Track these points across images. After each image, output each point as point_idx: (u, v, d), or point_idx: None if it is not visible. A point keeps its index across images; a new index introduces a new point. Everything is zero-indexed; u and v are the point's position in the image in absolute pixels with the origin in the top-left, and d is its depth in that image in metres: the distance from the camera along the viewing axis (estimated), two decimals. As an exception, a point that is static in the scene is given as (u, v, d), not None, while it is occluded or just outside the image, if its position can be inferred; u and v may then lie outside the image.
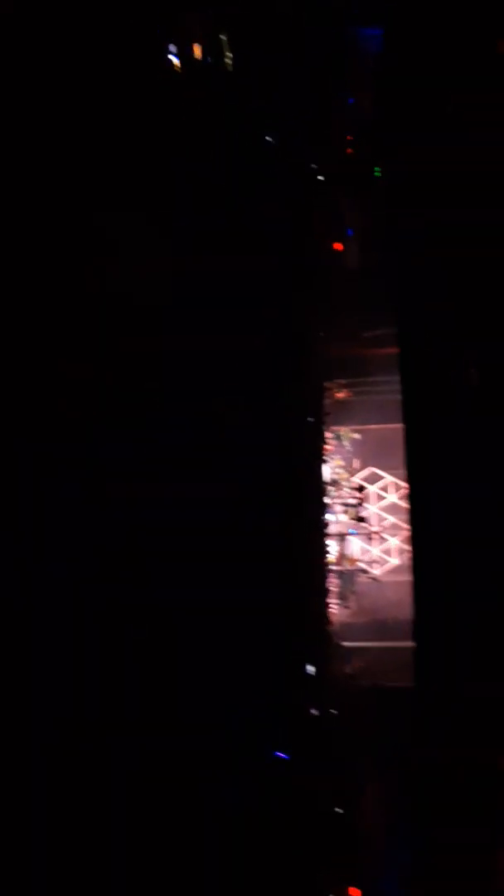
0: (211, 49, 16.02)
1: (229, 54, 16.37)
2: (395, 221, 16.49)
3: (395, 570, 23.24)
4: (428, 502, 15.41)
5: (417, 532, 15.94)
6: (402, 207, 15.99)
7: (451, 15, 14.81)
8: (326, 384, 22.41)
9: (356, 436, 23.45)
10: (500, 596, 13.83)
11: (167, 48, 15.04)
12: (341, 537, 22.72)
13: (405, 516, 21.80)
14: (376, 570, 23.24)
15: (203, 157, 14.43)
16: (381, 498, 23.96)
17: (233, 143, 14.96)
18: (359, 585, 23.05)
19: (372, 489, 23.83)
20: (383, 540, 23.43)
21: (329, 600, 20.91)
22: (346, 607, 22.26)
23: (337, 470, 22.96)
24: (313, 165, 18.41)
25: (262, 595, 14.16)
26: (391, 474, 23.94)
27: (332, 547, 22.10)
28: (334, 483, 22.56)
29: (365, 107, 20.04)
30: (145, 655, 12.79)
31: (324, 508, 21.06)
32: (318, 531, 20.13)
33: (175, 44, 15.05)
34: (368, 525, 23.13)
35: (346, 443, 23.38)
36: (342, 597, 22.23)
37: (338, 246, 20.49)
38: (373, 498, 23.88)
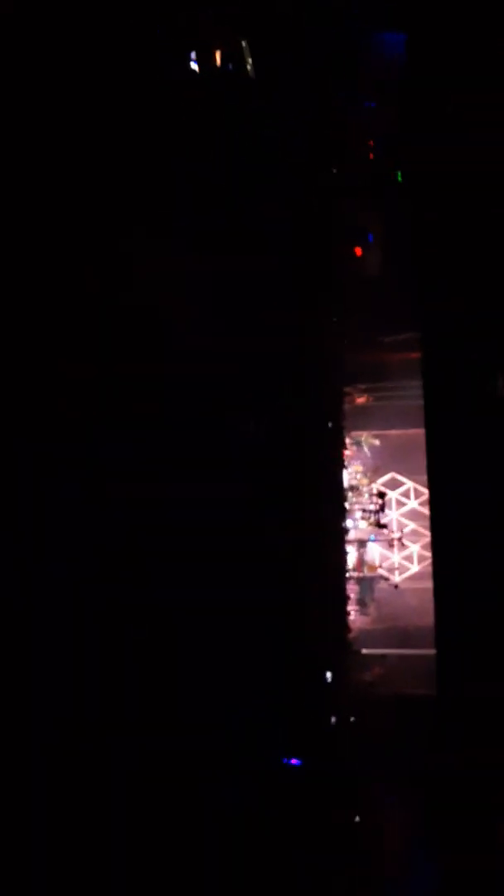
0: (231, 55, 16.05)
1: (250, 60, 16.42)
2: (417, 226, 16.43)
3: (416, 576, 23.20)
4: (449, 508, 15.32)
5: (438, 538, 15.85)
6: (424, 212, 15.94)
7: (473, 17, 14.75)
8: (347, 389, 22.40)
9: (376, 441, 23.44)
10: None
11: (188, 54, 15.08)
12: (361, 543, 22.68)
13: (426, 522, 21.79)
14: (396, 577, 23.18)
15: (203, 157, 14.44)
16: (401, 504, 23.90)
17: (233, 143, 14.97)
18: (379, 592, 23.01)
19: (392, 495, 23.78)
20: (404, 546, 23.37)
21: (348, 607, 20.84)
22: (366, 614, 22.24)
23: (357, 475, 22.92)
24: (334, 170, 18.41)
25: (263, 595, 14.14)
26: (412, 480, 23.90)
27: (352, 553, 22.06)
28: (354, 489, 22.53)
29: (387, 111, 20.04)
30: (145, 655, 12.77)
31: (342, 514, 21.01)
32: (335, 536, 20.05)
33: (195, 48, 15.09)
34: (389, 531, 23.08)
35: (366, 448, 23.37)
36: (362, 603, 22.21)
37: (358, 251, 20.48)
38: (393, 504, 23.82)
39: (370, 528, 23.06)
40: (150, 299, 12.97)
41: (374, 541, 23.12)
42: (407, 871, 16.59)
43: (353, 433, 23.29)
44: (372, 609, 22.78)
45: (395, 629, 22.82)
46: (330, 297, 18.85)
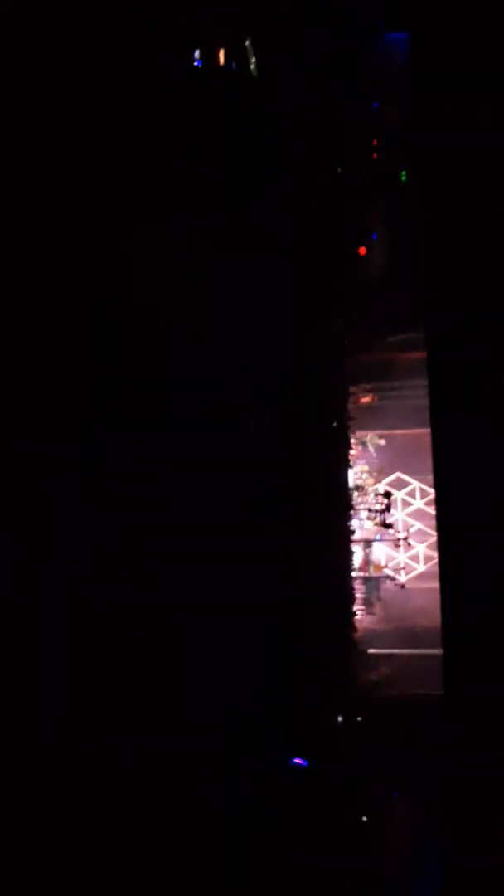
0: (235, 54, 16.05)
1: (254, 59, 16.41)
2: (421, 225, 16.41)
3: (422, 576, 23.16)
4: (455, 508, 15.29)
5: (444, 538, 15.82)
6: (428, 211, 15.91)
7: (475, 16, 14.73)
8: (352, 389, 22.37)
9: (382, 441, 23.39)
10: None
11: (188, 53, 15.09)
12: (367, 543, 22.64)
13: (432, 522, 21.75)
14: (402, 577, 23.14)
15: (203, 157, 14.44)
16: (407, 504, 23.87)
17: (233, 143, 14.96)
18: (385, 592, 22.97)
19: (398, 495, 23.74)
20: (409, 546, 23.33)
21: (354, 607, 20.83)
22: (372, 614, 22.20)
23: (362, 475, 22.88)
24: (338, 169, 18.40)
25: (263, 595, 14.13)
26: (417, 480, 23.87)
27: (358, 553, 22.03)
28: (359, 488, 22.49)
29: (390, 111, 20.03)
30: (145, 655, 12.77)
31: (347, 513, 20.98)
32: (340, 536, 20.03)
33: (195, 48, 15.09)
34: (394, 531, 23.04)
35: (371, 448, 23.33)
36: (368, 603, 22.15)
37: (362, 250, 20.46)
38: (399, 504, 23.79)
39: (376, 527, 22.99)
40: (150, 299, 12.96)
41: (379, 540, 23.06)
42: (410, 871, 16.58)
43: (359, 433, 23.22)
44: (378, 609, 22.73)
45: (402, 629, 22.79)
46: (333, 297, 18.82)
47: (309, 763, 15.62)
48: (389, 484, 24.14)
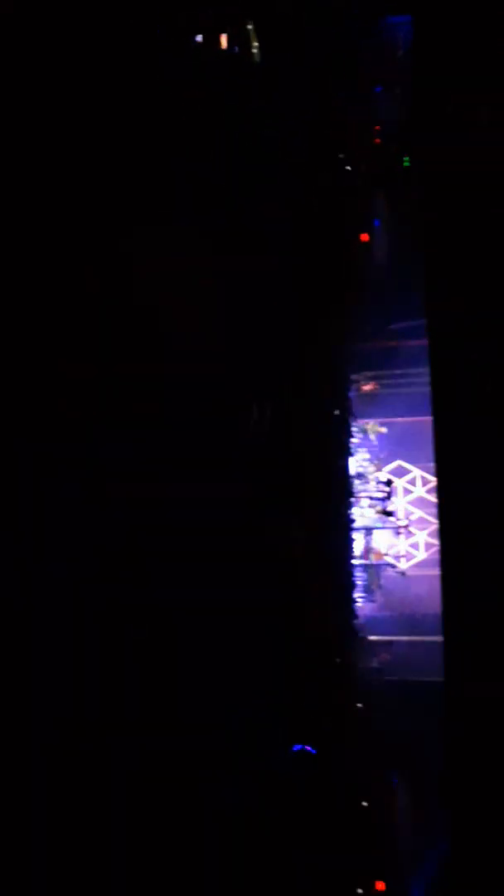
0: (237, 38, 15.97)
1: (256, 44, 16.33)
2: (425, 212, 16.34)
3: (423, 564, 23.15)
4: (456, 496, 15.28)
5: (445, 526, 15.82)
6: (432, 198, 15.84)
7: (478, 14, 14.65)
8: (353, 377, 22.29)
9: (383, 429, 23.33)
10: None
11: (192, 39, 15.02)
12: (368, 531, 22.62)
13: (433, 510, 21.74)
14: (403, 565, 23.14)
15: (203, 157, 14.38)
16: (408, 492, 23.84)
17: (233, 143, 14.90)
18: (385, 580, 22.97)
19: (399, 483, 23.71)
20: (410, 534, 23.31)
21: (355, 594, 20.84)
22: (373, 601, 22.19)
23: (363, 463, 22.84)
24: (340, 155, 18.31)
25: (264, 595, 14.13)
26: (419, 468, 23.82)
27: (359, 541, 22.02)
28: (360, 476, 22.45)
29: (393, 96, 19.94)
30: (145, 655, 12.78)
31: (349, 502, 20.97)
32: (340, 524, 20.04)
33: (200, 33, 15.03)
34: (395, 519, 23.01)
35: (372, 436, 23.26)
36: (368, 591, 22.15)
37: (364, 237, 20.38)
38: (400, 491, 23.76)
39: (377, 515, 22.96)
40: (150, 299, 12.93)
41: (380, 528, 23.03)
42: (410, 861, 16.66)
43: (360, 421, 23.15)
44: (378, 596, 22.72)
45: (402, 616, 22.80)
46: (333, 296, 18.76)
47: (317, 751, 15.68)
48: (391, 472, 24.06)
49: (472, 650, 14.47)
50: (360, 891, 14.98)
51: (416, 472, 23.95)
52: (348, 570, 20.74)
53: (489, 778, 13.69)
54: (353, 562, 21.40)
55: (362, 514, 22.54)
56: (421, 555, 23.42)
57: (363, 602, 21.86)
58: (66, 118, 12.61)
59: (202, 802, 12.90)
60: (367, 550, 22.87)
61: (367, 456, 23.13)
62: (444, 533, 16.09)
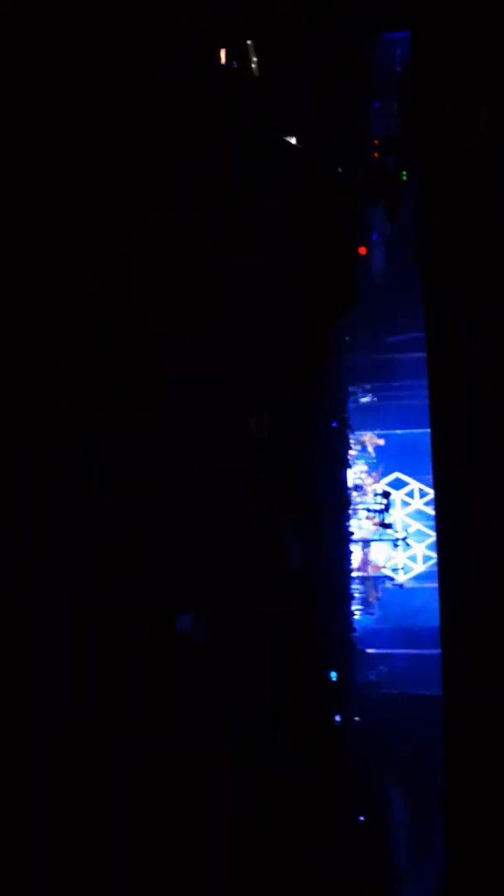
0: (236, 53, 16.04)
1: (255, 59, 16.40)
2: (422, 225, 16.40)
3: (421, 576, 23.14)
4: (454, 508, 15.28)
5: (443, 538, 15.81)
6: (429, 211, 15.89)
7: (476, 15, 14.72)
8: (351, 389, 22.37)
9: (381, 441, 23.37)
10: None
11: (192, 39, 15.08)
12: (365, 543, 22.63)
13: (430, 522, 21.75)
14: (401, 577, 23.13)
15: (203, 157, 14.42)
16: (405, 504, 23.85)
17: (233, 143, 14.94)
18: (383, 592, 22.95)
19: (397, 495, 23.73)
20: (408, 546, 23.32)
21: (353, 607, 20.83)
22: (371, 614, 22.17)
23: (361, 475, 22.87)
24: (339, 169, 18.38)
25: (263, 595, 14.12)
26: (416, 480, 23.85)
27: (357, 553, 22.03)
28: (358, 488, 22.47)
29: (391, 111, 20.03)
30: (145, 655, 12.76)
31: (345, 514, 20.97)
32: (339, 536, 20.03)
33: (199, 46, 15.09)
34: (393, 531, 23.02)
35: (370, 448, 23.30)
36: (366, 603, 22.14)
37: (362, 250, 20.43)
38: (397, 504, 23.77)
39: (374, 527, 22.98)
40: (150, 299, 12.95)
41: (378, 540, 23.04)
42: (410, 870, 16.60)
43: (358, 433, 23.21)
44: (376, 609, 22.72)
45: (400, 629, 22.80)
46: (333, 297, 18.80)
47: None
48: (388, 484, 24.09)
49: (470, 663, 14.44)
50: None
51: (414, 485, 23.97)
52: (346, 582, 20.73)
53: (486, 790, 13.65)
54: (351, 574, 21.39)
55: (360, 526, 22.54)
56: (419, 567, 23.42)
57: (361, 614, 21.83)
58: (65, 118, 12.64)
59: (202, 802, 12.85)
60: (365, 563, 22.87)
61: (365, 468, 23.16)
62: (442, 545, 16.09)
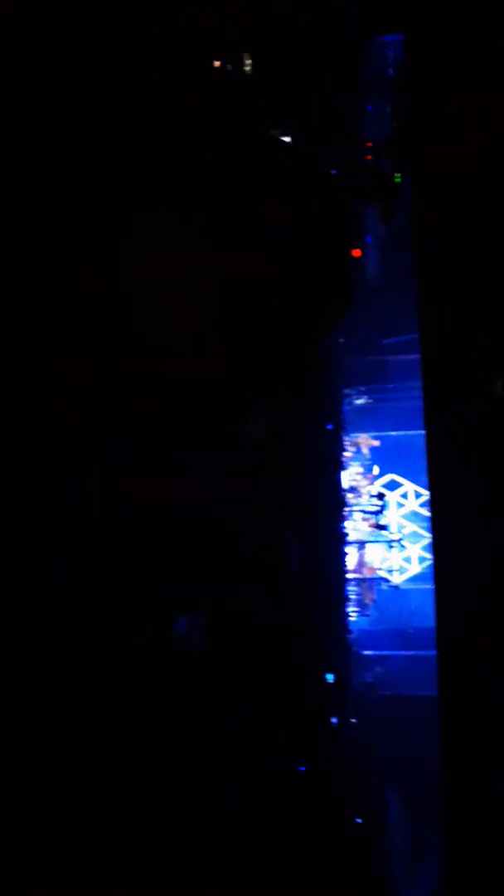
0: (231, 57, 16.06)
1: (249, 62, 16.43)
2: (416, 227, 16.41)
3: (416, 578, 23.19)
4: (448, 510, 15.28)
5: (438, 540, 15.82)
6: (423, 213, 15.91)
7: (473, 16, 14.73)
8: (346, 391, 22.39)
9: (376, 443, 23.40)
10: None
11: (192, 39, 15.10)
12: (360, 545, 22.65)
13: (425, 524, 21.79)
14: (396, 579, 23.17)
15: (203, 157, 14.42)
16: (400, 505, 23.89)
17: (233, 143, 14.94)
18: (379, 594, 22.99)
19: (391, 496, 23.76)
20: (403, 548, 23.35)
21: (348, 608, 20.85)
22: (366, 615, 22.20)
23: (356, 477, 22.90)
24: (333, 171, 18.41)
25: (263, 596, 14.13)
26: (411, 482, 23.89)
27: (352, 555, 22.05)
28: (353, 490, 22.51)
29: (384, 112, 20.06)
30: (145, 655, 12.75)
31: (341, 515, 21.00)
32: (334, 537, 20.06)
33: (199, 46, 15.11)
34: (388, 533, 23.05)
35: (365, 450, 23.34)
36: (362, 605, 22.16)
37: (356, 252, 20.45)
38: (392, 505, 23.81)
39: (369, 529, 23.01)
40: (150, 299, 12.94)
41: (373, 542, 23.07)
42: (407, 872, 16.60)
43: (353, 434, 23.24)
44: (372, 610, 22.74)
45: (396, 630, 22.83)
46: (333, 297, 18.80)
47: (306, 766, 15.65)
48: (383, 486, 24.12)
49: (466, 664, 14.45)
50: None
51: (409, 486, 24.00)
52: (341, 584, 20.75)
53: (483, 791, 13.66)
54: (347, 576, 21.42)
55: (355, 527, 22.58)
56: (414, 568, 23.46)
57: (357, 616, 21.85)
58: (65, 119, 12.63)
59: (202, 802, 12.85)
60: (361, 564, 22.89)
61: (360, 470, 23.19)
62: (437, 547, 16.11)
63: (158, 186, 14.45)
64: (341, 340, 21.76)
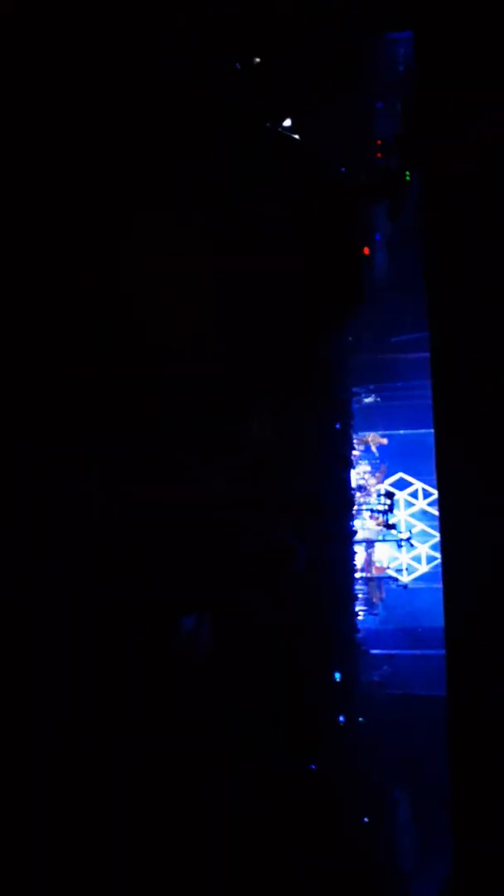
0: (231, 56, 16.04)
1: (249, 62, 16.39)
2: (426, 225, 16.36)
3: (425, 577, 23.11)
4: (457, 509, 15.24)
5: (447, 539, 15.77)
6: (433, 211, 15.86)
7: (479, 14, 14.69)
8: (354, 389, 22.32)
9: (384, 441, 23.33)
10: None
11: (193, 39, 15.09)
12: (369, 544, 22.59)
13: (434, 523, 21.72)
14: (405, 578, 23.10)
15: (203, 157, 14.42)
16: (409, 504, 23.82)
17: (233, 143, 14.94)
18: (387, 593, 22.92)
19: (400, 495, 23.69)
20: (412, 547, 23.28)
21: (357, 607, 20.80)
22: (374, 614, 22.14)
23: (364, 475, 22.83)
24: (341, 169, 18.37)
25: (265, 596, 14.11)
26: (420, 480, 23.82)
27: (360, 554, 21.99)
28: (362, 489, 22.44)
29: (395, 111, 20.01)
30: (145, 655, 12.76)
31: (349, 514, 20.95)
32: (342, 536, 20.02)
33: (199, 46, 15.10)
34: (397, 532, 22.98)
35: (374, 448, 23.27)
36: (370, 604, 22.10)
37: (366, 250, 20.41)
38: (401, 504, 23.74)
39: (378, 528, 22.94)
40: (150, 299, 12.95)
41: (382, 541, 23.01)
42: (413, 872, 16.58)
43: (362, 433, 23.18)
44: (380, 609, 22.68)
45: (404, 630, 22.77)
46: (335, 297, 18.78)
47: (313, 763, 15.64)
48: (392, 484, 24.06)
49: (474, 663, 14.42)
50: None
51: (418, 485, 23.94)
52: (350, 583, 20.70)
53: (491, 790, 13.64)
54: (355, 575, 21.36)
55: (364, 526, 22.52)
56: (423, 568, 23.39)
57: (365, 615, 21.80)
58: (65, 119, 12.65)
59: (202, 802, 12.85)
60: (369, 563, 22.84)
61: (369, 468, 23.13)
62: (446, 546, 16.07)
63: (159, 186, 14.46)
64: (350, 338, 21.69)
